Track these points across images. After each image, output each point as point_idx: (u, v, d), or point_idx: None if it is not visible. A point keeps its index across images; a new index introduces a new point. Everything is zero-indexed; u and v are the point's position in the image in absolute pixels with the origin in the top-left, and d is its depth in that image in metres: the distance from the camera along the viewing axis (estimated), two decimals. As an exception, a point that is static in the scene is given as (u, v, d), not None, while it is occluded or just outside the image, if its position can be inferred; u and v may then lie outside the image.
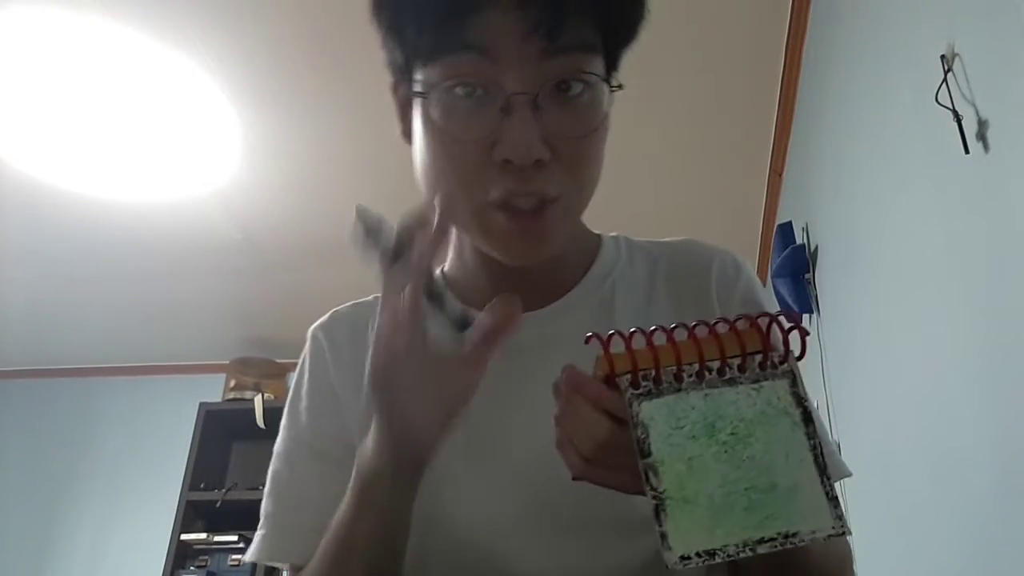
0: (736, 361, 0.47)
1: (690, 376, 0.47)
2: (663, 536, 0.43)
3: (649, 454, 0.45)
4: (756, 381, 0.47)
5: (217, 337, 3.90)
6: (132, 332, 3.88)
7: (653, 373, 0.46)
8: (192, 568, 3.33)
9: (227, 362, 3.93)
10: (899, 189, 1.42)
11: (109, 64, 2.29)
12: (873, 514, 1.64)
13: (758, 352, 0.47)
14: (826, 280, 2.06)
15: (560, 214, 0.61)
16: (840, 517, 0.44)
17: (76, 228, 3.04)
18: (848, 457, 1.80)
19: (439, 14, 0.56)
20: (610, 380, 0.47)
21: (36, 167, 2.71)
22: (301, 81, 2.39)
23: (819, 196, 2.12)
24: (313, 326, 0.77)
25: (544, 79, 0.56)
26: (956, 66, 1.09)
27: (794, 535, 0.43)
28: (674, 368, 0.46)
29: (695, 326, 0.48)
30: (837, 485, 0.70)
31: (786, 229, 2.34)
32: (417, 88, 0.60)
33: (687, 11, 2.11)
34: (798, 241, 2.27)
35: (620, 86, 0.61)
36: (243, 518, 3.39)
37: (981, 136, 1.04)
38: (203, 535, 3.33)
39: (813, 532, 0.43)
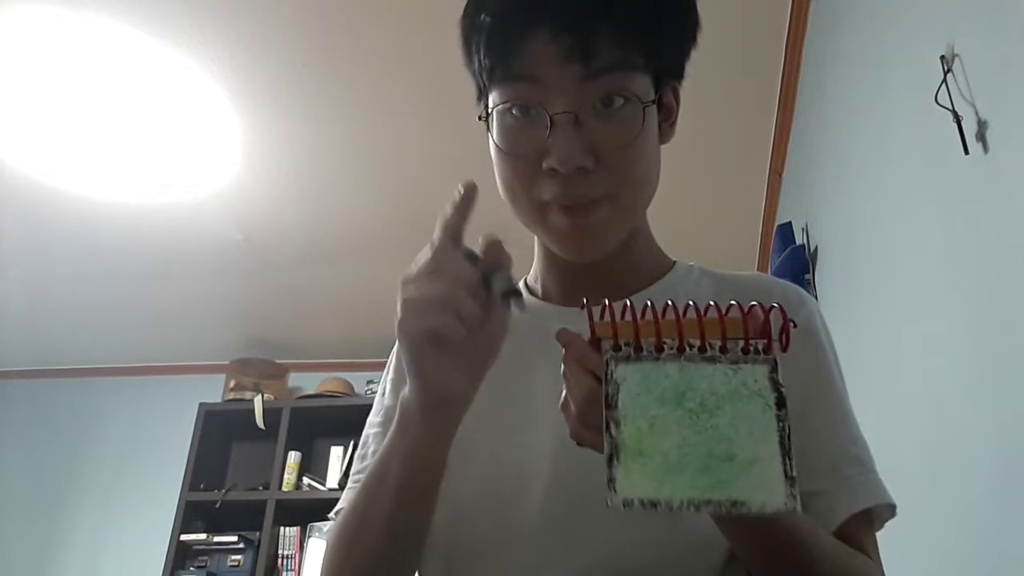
0: (717, 343, 0.49)
1: (670, 349, 0.49)
2: (611, 480, 0.46)
3: (614, 407, 0.48)
4: (735, 363, 0.49)
5: (217, 337, 3.90)
6: (132, 332, 3.88)
7: (634, 342, 0.49)
8: (192, 568, 3.33)
9: (227, 362, 3.93)
10: (899, 189, 1.42)
11: (109, 64, 2.29)
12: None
13: (740, 339, 0.49)
14: (826, 280, 2.06)
15: (610, 211, 0.68)
16: (794, 496, 0.45)
17: (76, 228, 3.04)
18: (848, 457, 1.80)
19: (493, 48, 0.66)
20: (597, 344, 0.50)
21: (36, 167, 2.71)
22: (302, 82, 2.39)
23: (819, 196, 2.12)
24: None
25: (584, 98, 0.65)
26: (956, 66, 1.10)
27: (742, 504, 0.45)
28: (654, 340, 0.49)
29: (686, 309, 0.51)
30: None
31: (786, 229, 2.34)
32: (486, 110, 0.70)
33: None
34: (798, 241, 2.27)
35: (653, 102, 0.68)
36: (243, 518, 3.39)
37: (981, 136, 1.04)
38: (203, 535, 3.34)
39: (763, 504, 0.45)
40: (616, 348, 0.50)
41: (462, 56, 0.71)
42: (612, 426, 0.47)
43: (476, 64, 0.68)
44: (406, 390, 0.59)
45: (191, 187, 2.83)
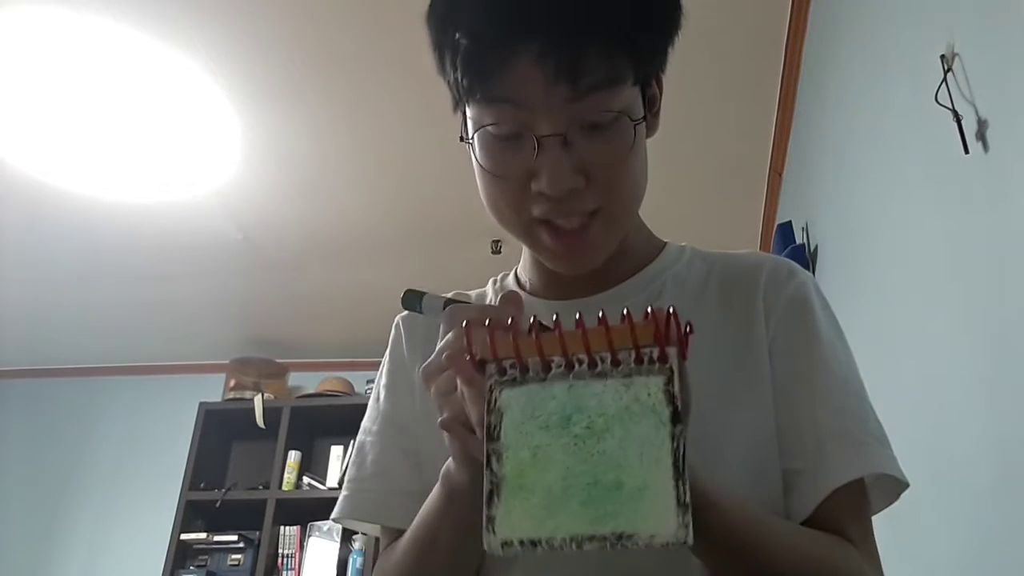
0: (608, 355, 0.45)
1: (559, 367, 0.46)
2: (490, 519, 0.43)
3: (497, 439, 0.45)
4: (628, 376, 0.45)
5: (217, 337, 3.90)
6: (132, 332, 3.88)
7: (518, 362, 0.46)
8: (192, 568, 3.33)
9: (227, 362, 3.93)
10: (899, 189, 1.42)
11: (109, 64, 2.29)
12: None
13: (631, 348, 0.45)
14: (826, 280, 2.06)
15: (602, 226, 0.66)
16: (687, 525, 0.41)
17: (76, 228, 3.04)
18: (848, 457, 1.80)
19: (470, 68, 0.61)
20: (481, 366, 0.47)
21: (36, 167, 2.71)
22: (301, 81, 2.39)
23: (819, 196, 2.12)
24: (397, 316, 0.83)
25: (572, 119, 0.61)
26: (956, 66, 1.10)
27: (629, 537, 0.41)
28: (539, 359, 0.46)
29: (580, 319, 0.47)
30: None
31: (786, 229, 2.34)
32: (467, 124, 0.65)
33: (686, 11, 2.11)
34: (798, 241, 2.27)
35: (643, 119, 0.65)
36: (243, 518, 3.39)
37: (981, 136, 1.04)
38: (203, 535, 3.34)
39: (652, 536, 0.41)
40: (502, 371, 0.46)
41: (433, 60, 0.65)
42: (493, 460, 0.44)
43: (450, 77, 0.63)
44: (450, 469, 0.58)
45: (190, 186, 2.83)
